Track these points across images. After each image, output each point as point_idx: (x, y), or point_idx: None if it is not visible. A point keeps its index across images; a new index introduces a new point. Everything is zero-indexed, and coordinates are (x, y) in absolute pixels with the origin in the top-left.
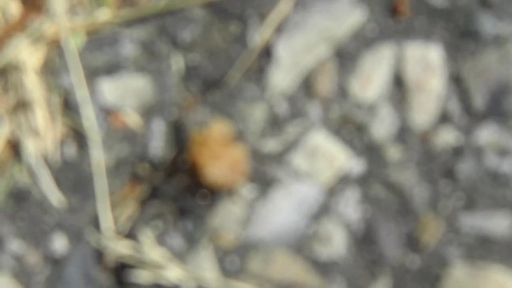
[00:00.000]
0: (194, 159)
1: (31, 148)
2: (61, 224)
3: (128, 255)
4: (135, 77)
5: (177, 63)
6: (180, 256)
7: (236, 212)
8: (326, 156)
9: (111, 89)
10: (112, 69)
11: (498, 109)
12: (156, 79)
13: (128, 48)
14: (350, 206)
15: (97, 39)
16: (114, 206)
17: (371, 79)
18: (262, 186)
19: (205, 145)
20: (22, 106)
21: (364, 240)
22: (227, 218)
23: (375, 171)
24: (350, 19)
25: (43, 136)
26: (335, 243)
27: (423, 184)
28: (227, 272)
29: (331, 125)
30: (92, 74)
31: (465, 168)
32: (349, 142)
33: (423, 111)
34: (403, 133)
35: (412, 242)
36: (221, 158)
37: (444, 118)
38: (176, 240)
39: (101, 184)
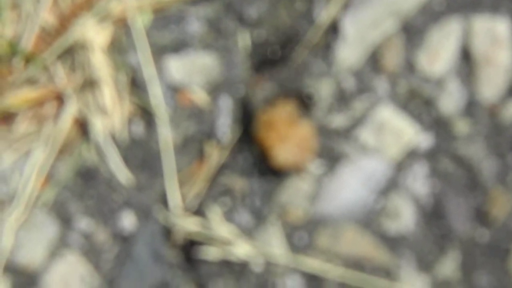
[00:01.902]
0: (261, 141)
1: (99, 126)
2: (129, 202)
3: (196, 232)
4: (202, 55)
5: (243, 40)
6: (248, 233)
7: (304, 188)
8: (393, 131)
9: (178, 67)
10: (179, 47)
11: None
12: (223, 56)
13: (195, 26)
14: (418, 180)
15: (164, 17)
16: (182, 183)
17: (439, 53)
18: (330, 161)
19: (272, 126)
20: (89, 85)
21: (433, 214)
22: (295, 194)
23: (443, 145)
24: None
25: (110, 114)
26: (404, 218)
27: (492, 158)
28: (295, 248)
29: (399, 100)
30: (159, 52)
31: None
32: (417, 117)
33: (491, 84)
34: (471, 107)
35: (481, 216)
36: (288, 139)
37: None
38: (244, 217)
39: (169, 162)
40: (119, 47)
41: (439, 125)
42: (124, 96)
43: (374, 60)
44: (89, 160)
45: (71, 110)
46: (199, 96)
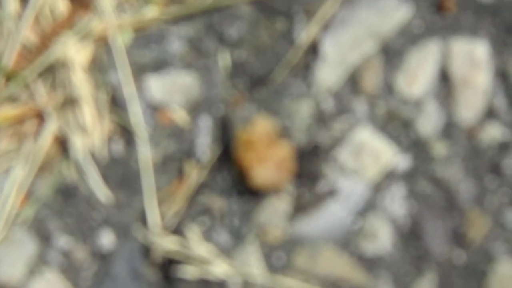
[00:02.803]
0: (240, 161)
1: (78, 144)
2: (108, 220)
3: (175, 251)
4: (182, 74)
5: (224, 60)
6: (227, 252)
7: (282, 208)
8: (372, 152)
9: (158, 86)
10: (159, 66)
11: None
12: (203, 75)
13: (175, 45)
14: (396, 202)
15: (145, 36)
16: (161, 202)
17: (417, 75)
18: (308, 182)
19: (251, 146)
20: (70, 103)
21: (410, 235)
22: (273, 214)
23: (421, 166)
24: (396, 15)
25: (90, 132)
26: (381, 239)
27: (469, 179)
28: (273, 267)
29: (377, 121)
30: (140, 71)
31: None
32: (395, 138)
33: (470, 106)
34: (449, 129)
35: (458, 238)
36: (267, 159)
37: (490, 114)
38: (223, 236)
39: (148, 180)
40: (99, 66)
41: (417, 147)
42: (104, 114)
43: (353, 81)
44: (68, 178)
45: (51, 128)
46: (179, 115)
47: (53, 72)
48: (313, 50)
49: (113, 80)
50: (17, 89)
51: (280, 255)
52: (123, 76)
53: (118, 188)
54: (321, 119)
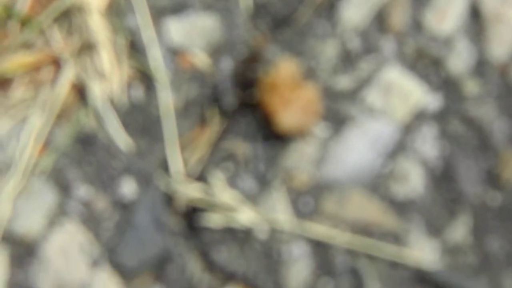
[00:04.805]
0: (265, 106)
1: (97, 91)
2: (129, 169)
3: (198, 199)
4: (202, 16)
5: (245, 0)
6: (252, 199)
7: (309, 152)
8: (401, 92)
9: (178, 29)
10: (179, 8)
11: None
12: (224, 17)
13: None
14: (427, 143)
15: None
16: (183, 148)
17: (447, 11)
18: (335, 124)
19: (275, 89)
20: (87, 48)
21: (443, 178)
22: (300, 158)
23: (452, 106)
24: None
25: (109, 78)
26: (412, 181)
27: (503, 118)
28: (300, 213)
29: (406, 60)
30: (158, 14)
31: None
32: (425, 77)
33: (502, 43)
34: (481, 67)
35: (493, 179)
36: (292, 102)
37: None
38: (248, 182)
39: (169, 127)
40: (117, 10)
41: (448, 86)
42: (122, 60)
43: (380, 19)
44: (87, 126)
45: (68, 75)
46: (200, 59)
47: (69, 17)
48: None
49: (131, 24)
50: (32, 35)
51: (308, 201)
52: (142, 20)
53: (138, 135)
54: (347, 59)
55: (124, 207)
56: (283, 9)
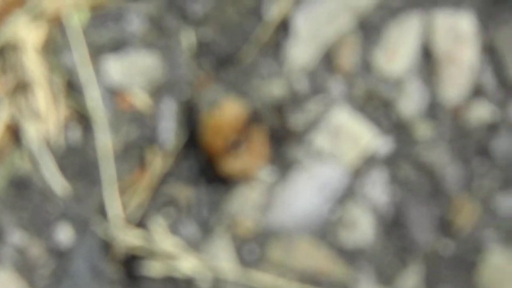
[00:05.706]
0: (208, 148)
1: (32, 132)
2: (65, 214)
3: (138, 246)
4: (143, 55)
5: (188, 38)
6: (195, 246)
7: (254, 197)
8: (350, 135)
9: (117, 68)
10: (118, 46)
11: None
12: (166, 56)
13: (135, 24)
14: (378, 188)
15: (102, 15)
16: (122, 193)
17: (398, 52)
18: (282, 168)
19: (219, 131)
20: (22, 88)
21: (393, 224)
22: (245, 203)
23: (403, 150)
24: None
25: (45, 119)
26: (362, 228)
27: (456, 163)
28: (245, 262)
29: (355, 102)
30: (97, 52)
31: (501, 145)
32: (375, 120)
33: (455, 84)
34: (433, 109)
35: (446, 226)
36: (237, 145)
37: (477, 92)
38: (190, 229)
39: (108, 170)
40: (54, 47)
41: (399, 129)
42: (59, 99)
43: (328, 59)
44: (22, 169)
45: (2, 115)
46: (140, 99)
47: (3, 55)
48: (284, 26)
49: (68, 62)
50: None
51: (253, 248)
52: (79, 58)
53: (75, 179)
54: (294, 100)
55: (60, 254)
56: (228, 48)
